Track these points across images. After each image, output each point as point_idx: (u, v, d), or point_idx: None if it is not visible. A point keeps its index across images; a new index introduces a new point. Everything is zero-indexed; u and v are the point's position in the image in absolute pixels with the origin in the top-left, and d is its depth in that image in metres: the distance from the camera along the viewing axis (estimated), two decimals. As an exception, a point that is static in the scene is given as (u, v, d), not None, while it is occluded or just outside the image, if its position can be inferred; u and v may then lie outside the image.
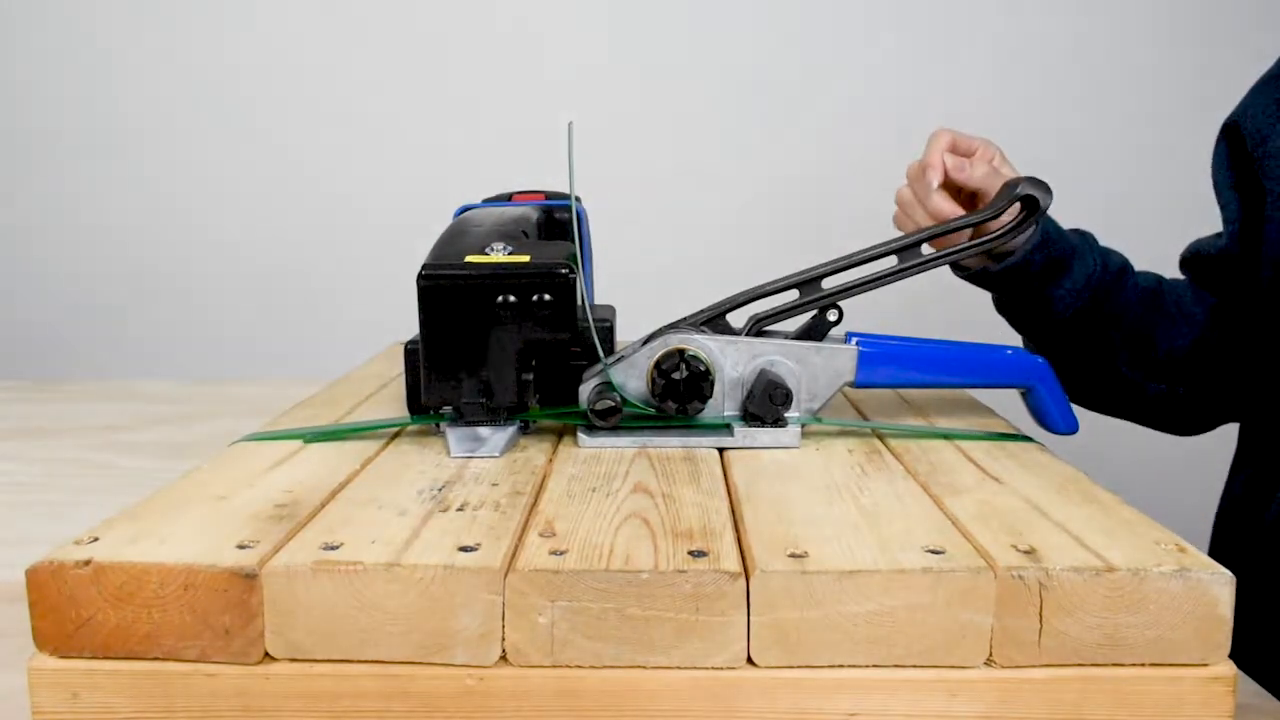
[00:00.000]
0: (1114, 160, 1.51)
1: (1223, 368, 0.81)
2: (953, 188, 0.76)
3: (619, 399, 0.60)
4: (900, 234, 0.68)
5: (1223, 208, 0.80)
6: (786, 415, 0.61)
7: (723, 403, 0.62)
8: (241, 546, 0.43)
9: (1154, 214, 1.37)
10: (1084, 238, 0.80)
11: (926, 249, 0.67)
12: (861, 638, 0.41)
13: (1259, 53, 0.81)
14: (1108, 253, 0.81)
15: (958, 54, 1.52)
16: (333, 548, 0.43)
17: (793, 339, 0.63)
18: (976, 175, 0.74)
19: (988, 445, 0.61)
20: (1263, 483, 0.74)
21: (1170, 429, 0.87)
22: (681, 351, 0.61)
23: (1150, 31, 1.49)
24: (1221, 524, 0.80)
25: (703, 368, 0.60)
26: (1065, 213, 0.76)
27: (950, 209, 0.74)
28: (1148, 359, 0.82)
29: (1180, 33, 1.49)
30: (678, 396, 0.60)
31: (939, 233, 0.67)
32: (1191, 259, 0.84)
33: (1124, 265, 0.82)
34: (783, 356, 0.62)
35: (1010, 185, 0.68)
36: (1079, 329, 0.79)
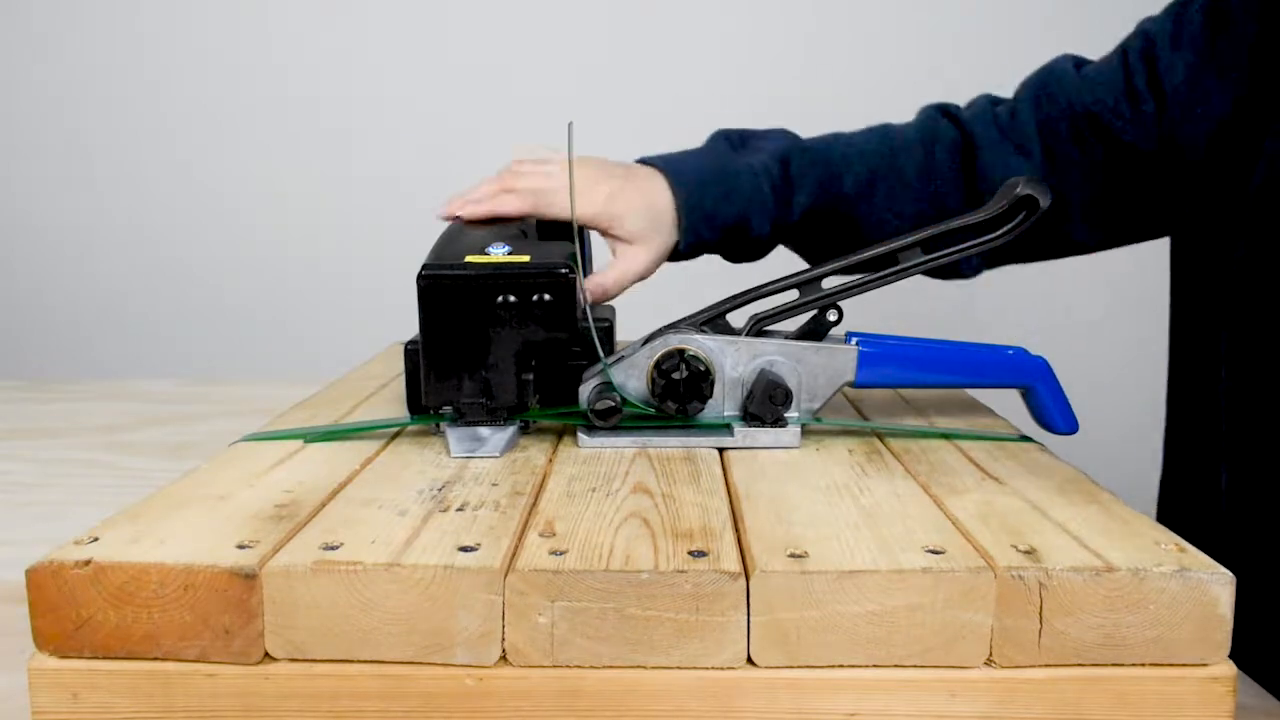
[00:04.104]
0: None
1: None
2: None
3: (619, 399, 0.60)
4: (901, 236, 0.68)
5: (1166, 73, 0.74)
6: (786, 415, 0.61)
7: (723, 403, 0.62)
8: (241, 546, 0.43)
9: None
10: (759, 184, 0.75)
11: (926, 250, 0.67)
12: (861, 638, 0.41)
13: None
14: (839, 176, 0.76)
15: (951, 55, 1.52)
16: (333, 548, 0.43)
17: (793, 339, 0.63)
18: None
19: (988, 445, 0.61)
20: (1202, 469, 0.74)
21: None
22: (681, 351, 0.61)
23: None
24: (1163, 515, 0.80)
25: (703, 368, 0.60)
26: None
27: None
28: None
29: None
30: (678, 396, 0.60)
31: (938, 233, 0.67)
32: (1087, 115, 0.76)
33: (869, 179, 0.77)
34: (783, 356, 0.62)
35: (1010, 185, 0.68)
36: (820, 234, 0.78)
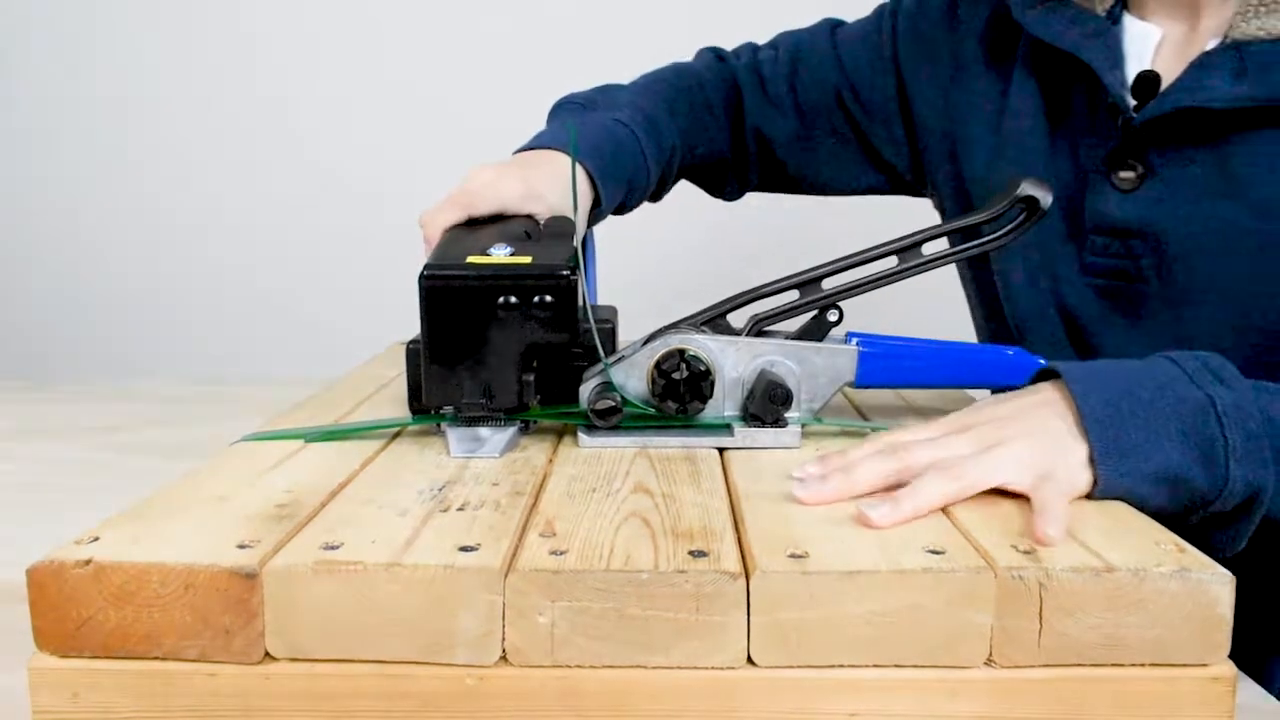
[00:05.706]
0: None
1: None
2: None
3: (619, 399, 0.60)
4: (901, 234, 0.68)
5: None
6: (787, 415, 0.61)
7: (723, 403, 0.62)
8: (242, 546, 0.43)
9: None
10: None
11: (927, 249, 0.67)
12: (862, 638, 0.41)
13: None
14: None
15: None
16: (333, 548, 0.43)
17: (793, 339, 0.63)
18: None
19: (988, 445, 0.61)
20: None
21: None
22: (681, 351, 0.61)
23: None
24: None
25: (703, 368, 0.60)
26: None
27: None
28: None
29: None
30: (678, 396, 0.60)
31: (939, 233, 0.67)
32: (836, 88, 0.89)
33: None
34: (783, 357, 0.62)
35: (1011, 184, 0.68)
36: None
